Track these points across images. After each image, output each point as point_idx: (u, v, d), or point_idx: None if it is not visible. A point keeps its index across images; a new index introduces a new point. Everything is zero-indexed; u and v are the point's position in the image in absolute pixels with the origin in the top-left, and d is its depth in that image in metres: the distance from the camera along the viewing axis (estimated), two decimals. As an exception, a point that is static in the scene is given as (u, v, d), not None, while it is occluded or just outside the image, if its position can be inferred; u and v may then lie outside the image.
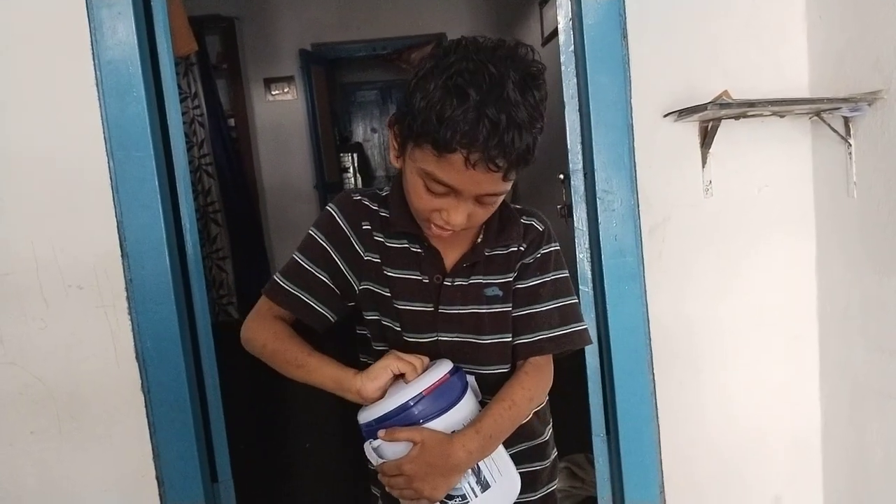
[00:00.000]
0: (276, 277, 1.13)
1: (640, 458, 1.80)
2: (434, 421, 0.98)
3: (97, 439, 1.69)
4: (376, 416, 0.99)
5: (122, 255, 1.64)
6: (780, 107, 1.64)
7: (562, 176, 3.38)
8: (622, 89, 1.71)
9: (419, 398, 0.98)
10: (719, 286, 1.79)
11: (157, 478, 1.71)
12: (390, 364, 1.00)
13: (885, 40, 1.49)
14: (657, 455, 1.80)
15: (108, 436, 1.69)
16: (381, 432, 0.98)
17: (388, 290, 1.10)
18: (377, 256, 1.11)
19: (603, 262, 1.75)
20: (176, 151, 1.73)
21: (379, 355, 1.06)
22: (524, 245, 1.14)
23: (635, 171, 1.73)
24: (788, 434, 1.84)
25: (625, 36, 1.70)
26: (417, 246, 1.11)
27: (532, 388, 1.11)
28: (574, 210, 1.84)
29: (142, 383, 1.68)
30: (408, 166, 1.00)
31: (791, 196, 1.78)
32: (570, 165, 1.82)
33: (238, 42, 5.52)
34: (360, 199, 1.14)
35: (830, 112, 1.63)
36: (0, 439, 1.67)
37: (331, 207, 1.14)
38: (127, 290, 1.65)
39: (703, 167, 1.74)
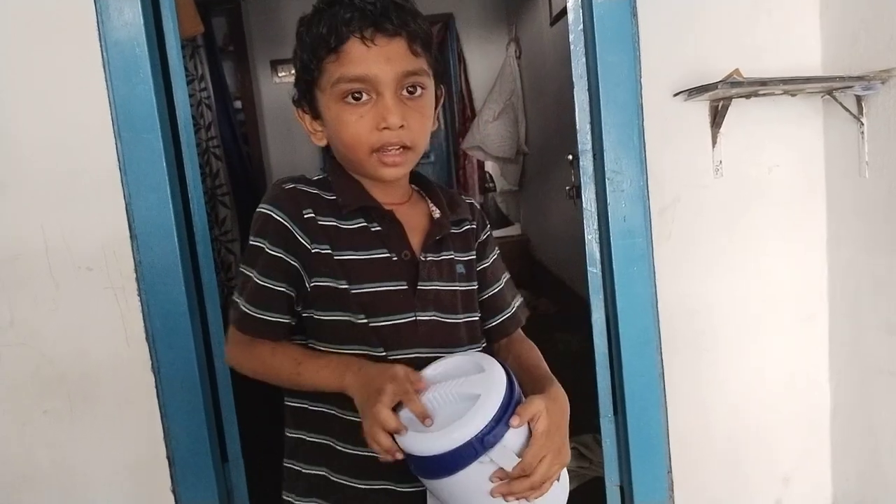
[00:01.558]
0: (241, 305, 1.01)
1: (648, 439, 1.80)
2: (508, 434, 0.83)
3: (108, 419, 1.70)
4: (438, 452, 0.81)
5: (131, 237, 1.64)
6: (791, 85, 1.62)
7: (570, 157, 3.37)
8: (632, 68, 1.69)
9: (489, 427, 0.81)
10: (729, 267, 1.78)
11: (168, 458, 1.72)
12: (375, 436, 0.84)
13: (900, 17, 1.47)
14: (665, 436, 1.81)
15: (120, 416, 1.70)
16: (513, 420, 0.82)
17: (343, 279, 0.99)
18: (326, 246, 0.99)
19: (612, 244, 1.74)
20: (184, 133, 1.72)
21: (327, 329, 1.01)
22: (475, 223, 1.13)
23: (645, 151, 1.72)
24: (797, 414, 1.84)
25: (634, 14, 1.68)
26: (377, 224, 1.02)
27: (531, 343, 1.14)
28: (583, 191, 1.83)
29: (152, 364, 1.68)
30: (326, 112, 1.00)
31: (802, 176, 1.76)
32: (579, 146, 1.81)
33: (244, 24, 5.48)
34: (294, 187, 1.02)
35: (843, 91, 1.61)
36: (13, 420, 1.69)
37: (263, 208, 1.00)
38: (136, 271, 1.65)
39: (714, 147, 1.73)
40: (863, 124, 1.60)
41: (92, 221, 1.64)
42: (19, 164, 1.61)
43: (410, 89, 0.97)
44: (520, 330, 1.17)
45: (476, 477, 0.83)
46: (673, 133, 1.72)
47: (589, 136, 1.80)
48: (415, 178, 1.12)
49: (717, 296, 1.79)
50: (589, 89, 1.77)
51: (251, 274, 1.00)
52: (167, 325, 1.67)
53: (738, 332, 1.80)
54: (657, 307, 1.76)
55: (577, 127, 1.80)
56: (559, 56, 3.58)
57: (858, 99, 1.59)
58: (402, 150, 0.98)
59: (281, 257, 0.99)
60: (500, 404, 0.82)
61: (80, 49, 1.59)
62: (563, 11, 2.40)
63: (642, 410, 1.79)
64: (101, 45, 1.59)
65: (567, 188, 3.54)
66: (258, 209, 1.02)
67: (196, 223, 1.74)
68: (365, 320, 0.99)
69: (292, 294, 1.00)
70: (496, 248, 1.17)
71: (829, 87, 1.63)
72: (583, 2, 1.75)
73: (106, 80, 1.60)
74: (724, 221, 1.76)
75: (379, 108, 0.95)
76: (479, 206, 1.18)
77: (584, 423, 2.33)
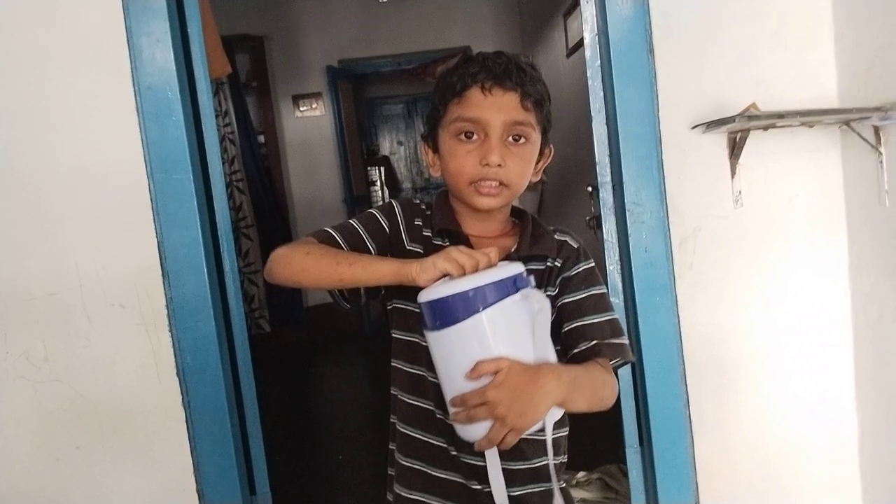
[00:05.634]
0: (327, 229, 1.14)
1: (675, 469, 1.80)
2: (480, 314, 0.92)
3: (140, 453, 1.74)
4: (424, 300, 0.96)
5: (163, 274, 1.69)
6: (808, 117, 1.64)
7: (590, 188, 3.39)
8: (649, 102, 1.73)
9: (466, 291, 0.93)
10: (751, 296, 1.79)
11: (198, 491, 1.75)
12: (438, 263, 0.97)
13: (914, 49, 1.49)
14: (692, 465, 1.80)
15: (151, 450, 1.74)
16: (467, 373, 0.93)
17: None
18: (420, 248, 1.15)
19: (633, 274, 1.75)
20: (213, 172, 1.78)
21: (404, 347, 1.13)
22: (560, 261, 1.15)
23: (664, 182, 1.74)
24: (825, 443, 1.83)
25: (651, 50, 1.72)
26: None
27: (608, 375, 1.10)
28: (603, 222, 1.85)
29: (182, 398, 1.72)
30: (442, 146, 1.14)
31: (822, 205, 1.77)
32: (599, 178, 1.84)
33: (267, 60, 5.61)
34: (417, 203, 1.22)
35: (860, 121, 1.63)
36: (47, 454, 1.72)
37: (392, 201, 1.21)
38: (167, 307, 1.70)
39: (733, 178, 1.75)
40: (881, 154, 1.61)
41: (124, 259, 1.69)
42: (57, 204, 1.67)
43: (515, 137, 1.10)
44: (601, 360, 1.12)
45: (463, 345, 0.94)
46: (692, 165, 1.75)
47: (608, 169, 1.83)
48: (520, 216, 1.22)
49: (740, 325, 1.79)
50: (607, 123, 1.81)
51: (352, 222, 1.17)
52: (197, 361, 1.71)
53: (762, 361, 1.80)
54: (680, 337, 1.77)
55: (597, 160, 1.83)
56: (576, 86, 3.62)
57: (876, 129, 1.61)
58: (498, 185, 1.09)
59: (382, 223, 1.17)
60: (508, 275, 0.95)
61: (114, 92, 1.65)
62: (579, 43, 2.44)
63: (668, 440, 1.79)
64: (134, 89, 1.65)
65: (587, 218, 3.55)
66: (389, 200, 1.22)
67: (225, 260, 1.79)
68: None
69: (369, 246, 1.14)
70: (593, 286, 1.16)
71: (847, 118, 1.64)
72: (599, 38, 1.79)
73: (139, 123, 1.65)
74: (745, 251, 1.77)
75: (484, 148, 1.08)
76: (576, 245, 1.19)
77: (609, 453, 2.33)
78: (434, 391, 1.08)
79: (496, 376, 0.92)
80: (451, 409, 0.97)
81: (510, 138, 1.09)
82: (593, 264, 1.19)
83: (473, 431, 0.96)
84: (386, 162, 7.84)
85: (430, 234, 1.16)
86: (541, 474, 1.11)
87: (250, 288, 5.28)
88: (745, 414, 1.82)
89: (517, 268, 0.98)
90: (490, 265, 0.97)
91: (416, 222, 1.18)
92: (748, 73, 1.73)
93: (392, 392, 1.18)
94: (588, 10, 1.81)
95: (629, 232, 1.75)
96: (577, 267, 1.16)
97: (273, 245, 1.14)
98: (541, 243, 1.15)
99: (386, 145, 8.76)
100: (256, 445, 1.85)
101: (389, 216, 1.18)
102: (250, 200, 5.24)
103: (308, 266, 1.06)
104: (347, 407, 4.00)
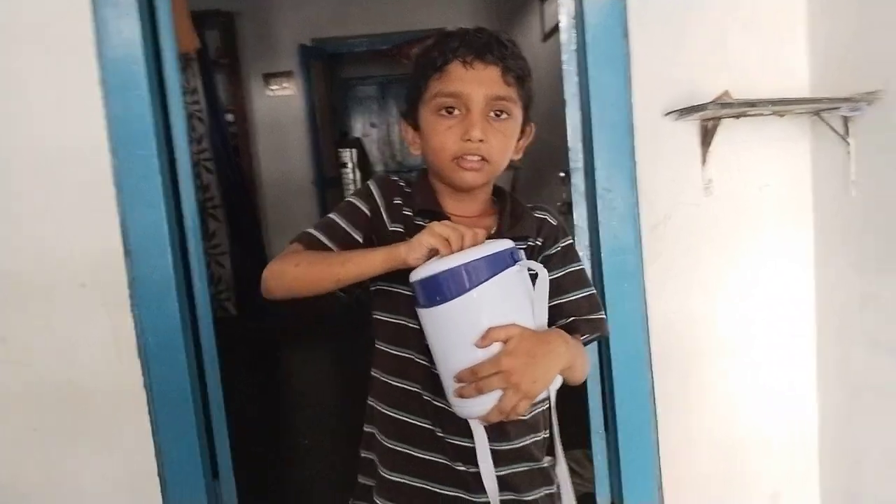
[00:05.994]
0: (309, 230, 1.14)
1: (639, 456, 1.81)
2: (484, 284, 0.93)
3: (100, 437, 1.70)
4: (421, 277, 0.95)
5: (126, 253, 1.64)
6: (780, 106, 1.65)
7: (562, 174, 3.39)
8: (623, 88, 1.72)
9: (450, 270, 0.93)
10: (720, 285, 1.80)
11: (160, 475, 1.72)
12: (424, 240, 0.97)
13: (885, 40, 1.50)
14: (655, 452, 1.82)
15: (111, 433, 1.70)
16: (477, 341, 0.93)
17: None
18: (401, 227, 1.13)
19: (603, 260, 1.76)
20: (179, 149, 1.73)
21: (390, 329, 1.12)
22: (541, 239, 1.16)
23: (636, 169, 1.74)
24: (786, 431, 1.85)
25: (626, 35, 1.71)
26: None
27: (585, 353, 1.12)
28: (574, 208, 1.85)
29: (144, 381, 1.68)
30: (423, 123, 1.12)
31: (791, 195, 1.79)
32: (571, 163, 1.83)
33: (238, 37, 5.52)
34: (395, 180, 1.21)
35: (830, 111, 1.64)
36: (4, 438, 1.68)
37: (369, 182, 1.20)
38: (130, 287, 1.66)
39: (704, 166, 1.75)
40: (849, 144, 1.62)
41: (86, 237, 1.64)
42: (15, 180, 1.62)
43: (497, 112, 1.09)
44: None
45: (469, 316, 0.94)
46: (664, 152, 1.75)
47: (581, 154, 1.82)
48: (500, 196, 1.22)
49: (707, 313, 1.80)
50: (581, 108, 1.80)
51: (330, 215, 1.16)
52: (160, 342, 1.67)
53: (727, 350, 1.82)
54: (648, 324, 1.78)
55: (569, 145, 1.82)
56: (551, 72, 3.60)
57: (845, 119, 1.62)
58: (480, 160, 1.09)
59: (362, 210, 1.15)
60: (504, 248, 0.96)
61: (77, 65, 1.60)
62: (555, 28, 2.43)
63: (633, 427, 1.80)
64: (98, 62, 1.60)
65: (559, 204, 3.55)
66: (366, 182, 1.20)
67: (190, 240, 1.75)
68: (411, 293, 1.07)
69: (355, 238, 1.13)
70: (571, 263, 1.18)
71: (817, 108, 1.65)
72: (576, 22, 1.78)
73: (103, 97, 1.60)
74: (715, 239, 1.78)
75: (466, 123, 1.07)
76: (555, 222, 1.20)
77: (574, 439, 2.34)
78: (422, 373, 1.08)
79: (508, 344, 0.93)
80: (455, 385, 0.96)
81: (492, 114, 1.09)
82: (571, 241, 1.21)
83: (478, 405, 0.95)
84: (358, 144, 7.76)
85: (410, 213, 1.15)
86: (524, 454, 1.13)
87: (217, 269, 5.21)
88: (710, 402, 1.84)
89: (507, 243, 0.98)
90: (475, 242, 0.97)
91: (395, 201, 1.16)
92: (721, 61, 1.73)
93: (373, 374, 1.17)
94: (564, -7, 1.79)
95: (600, 218, 1.75)
96: (556, 245, 1.18)
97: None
98: (521, 224, 1.16)
99: (358, 127, 8.70)
100: (220, 429, 1.83)
101: (368, 199, 1.16)
102: (218, 180, 5.16)
103: (301, 276, 1.07)
104: (314, 391, 3.97)
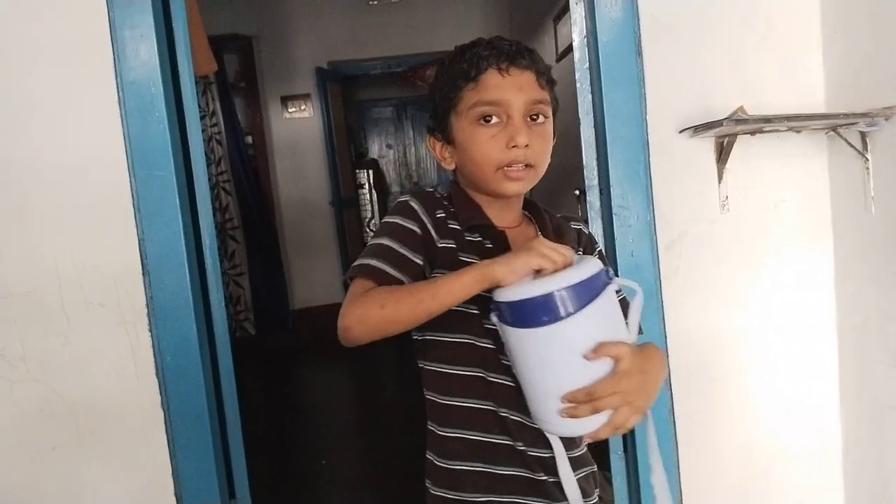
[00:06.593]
0: (368, 262, 1.06)
1: (659, 475, 1.78)
2: (592, 304, 0.92)
3: (117, 455, 1.70)
4: (526, 297, 0.92)
5: (144, 273, 1.66)
6: (796, 122, 1.64)
7: (577, 192, 3.39)
8: (637, 105, 1.72)
9: (565, 289, 0.91)
10: (737, 302, 1.78)
11: (176, 494, 1.71)
12: (530, 261, 0.94)
13: (902, 55, 1.50)
14: (675, 471, 1.79)
15: (128, 451, 1.70)
16: (589, 353, 0.92)
17: None
18: (452, 243, 1.11)
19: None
20: (197, 170, 1.75)
21: (455, 350, 1.09)
22: (581, 249, 1.19)
23: (651, 186, 1.74)
24: (809, 448, 1.83)
25: (639, 53, 1.71)
26: (489, 242, 1.12)
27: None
28: (590, 225, 1.84)
29: (161, 399, 1.69)
30: (459, 135, 1.11)
31: (808, 211, 1.77)
32: (586, 181, 1.83)
33: (256, 60, 5.58)
34: (431, 192, 1.17)
35: (847, 127, 1.63)
36: (22, 454, 1.69)
37: (406, 198, 1.14)
38: (147, 306, 1.67)
39: (720, 182, 1.74)
40: (868, 160, 1.61)
41: (104, 256, 1.66)
42: (36, 200, 1.64)
43: (534, 116, 1.09)
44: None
45: (579, 336, 0.92)
46: (679, 169, 1.74)
47: (595, 172, 1.82)
48: (526, 204, 1.22)
49: (726, 330, 1.79)
50: (595, 126, 1.80)
51: (380, 240, 1.09)
52: (177, 361, 1.68)
53: (746, 367, 1.80)
54: (666, 341, 1.76)
55: (584, 163, 1.82)
56: (565, 91, 3.61)
57: (863, 135, 1.61)
58: (525, 167, 1.08)
59: (413, 229, 1.10)
60: (600, 269, 0.95)
61: (96, 87, 1.62)
62: (569, 48, 2.44)
63: (652, 446, 1.78)
64: (117, 84, 1.62)
65: (574, 222, 3.54)
66: (401, 199, 1.14)
67: (207, 259, 1.76)
68: (477, 311, 1.07)
69: (416, 261, 1.08)
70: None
71: (833, 123, 1.64)
72: (588, 41, 1.78)
73: (121, 118, 1.63)
74: (732, 256, 1.77)
75: (509, 130, 1.06)
76: (588, 231, 1.23)
77: (593, 459, 2.31)
78: (498, 391, 1.08)
79: (621, 363, 0.92)
80: (562, 405, 0.94)
81: (530, 118, 1.08)
82: (601, 247, 1.25)
83: (589, 423, 0.95)
84: (374, 165, 7.81)
85: (456, 227, 1.12)
86: (587, 459, 1.18)
87: (236, 290, 5.24)
88: (730, 419, 1.81)
89: (597, 261, 0.97)
90: (567, 262, 0.96)
91: (438, 214, 1.13)
92: (736, 78, 1.73)
93: (431, 398, 1.14)
94: (577, 11, 1.80)
95: (615, 235, 1.74)
96: (594, 254, 1.20)
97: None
98: (564, 236, 1.17)
99: (375, 148, 8.74)
100: (237, 448, 1.82)
101: (414, 218, 1.11)
102: (237, 202, 5.21)
103: (391, 317, 1.00)
104: (332, 411, 3.97)
